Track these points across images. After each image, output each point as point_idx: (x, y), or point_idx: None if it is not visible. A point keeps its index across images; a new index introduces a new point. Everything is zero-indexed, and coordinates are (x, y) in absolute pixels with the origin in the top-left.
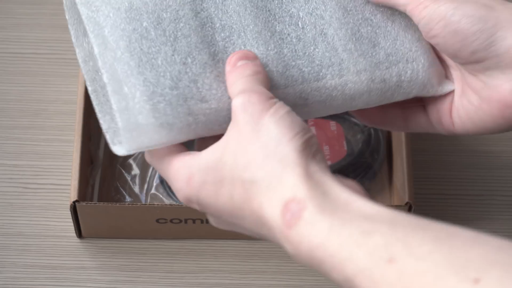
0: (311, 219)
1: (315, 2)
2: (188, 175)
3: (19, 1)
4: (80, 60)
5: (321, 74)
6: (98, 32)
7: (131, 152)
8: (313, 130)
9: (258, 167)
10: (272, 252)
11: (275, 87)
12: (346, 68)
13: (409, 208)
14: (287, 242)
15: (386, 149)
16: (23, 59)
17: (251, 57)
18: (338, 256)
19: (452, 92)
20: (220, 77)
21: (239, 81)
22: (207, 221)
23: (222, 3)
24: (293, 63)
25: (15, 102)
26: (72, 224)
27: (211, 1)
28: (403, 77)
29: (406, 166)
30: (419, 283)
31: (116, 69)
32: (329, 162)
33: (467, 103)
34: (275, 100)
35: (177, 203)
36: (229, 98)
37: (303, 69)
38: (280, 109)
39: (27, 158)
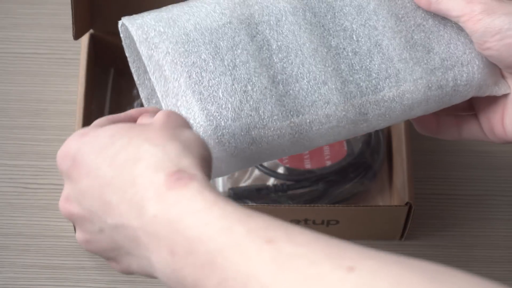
0: (198, 189)
1: (367, 13)
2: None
3: (19, 1)
4: (143, 99)
5: (378, 87)
6: (159, 73)
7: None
8: None
9: (162, 140)
10: None
11: (334, 104)
12: (403, 79)
13: (409, 208)
14: (157, 201)
15: (386, 149)
16: (23, 59)
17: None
18: (215, 226)
19: (502, 100)
20: (280, 101)
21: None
22: None
23: (277, 24)
24: (351, 78)
25: (15, 102)
26: (72, 224)
27: (265, 23)
28: (459, 81)
29: (406, 166)
30: (293, 266)
31: (179, 109)
32: (329, 162)
33: None
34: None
35: None
36: (290, 122)
37: (361, 84)
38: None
39: (27, 158)
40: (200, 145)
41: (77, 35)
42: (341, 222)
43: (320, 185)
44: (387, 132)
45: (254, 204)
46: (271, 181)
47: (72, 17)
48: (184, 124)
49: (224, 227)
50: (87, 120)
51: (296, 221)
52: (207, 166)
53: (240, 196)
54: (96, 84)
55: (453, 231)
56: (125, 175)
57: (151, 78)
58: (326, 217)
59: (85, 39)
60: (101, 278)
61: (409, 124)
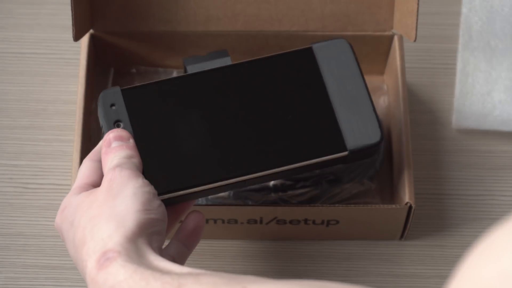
0: (122, 263)
1: None
2: (64, 206)
3: (19, 1)
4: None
5: None
6: None
7: None
8: None
9: (101, 219)
10: (272, 252)
11: None
12: None
13: (409, 208)
14: (92, 283)
15: (386, 149)
16: (23, 59)
17: (125, 138)
18: (135, 286)
19: None
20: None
21: (115, 160)
22: (207, 221)
23: None
24: None
25: (15, 102)
26: None
27: None
28: None
29: (406, 166)
30: None
31: None
32: None
33: None
34: (143, 179)
35: None
36: None
37: None
38: (144, 186)
39: (27, 158)
40: (136, 211)
41: (77, 37)
42: (341, 222)
43: (320, 185)
44: (387, 132)
45: (255, 203)
46: (271, 181)
47: (72, 19)
48: (127, 186)
49: (142, 285)
50: (87, 120)
51: (296, 221)
52: (144, 229)
53: (240, 196)
54: (96, 84)
55: (453, 231)
56: (78, 257)
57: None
58: (326, 217)
59: (85, 39)
60: None
61: (409, 124)
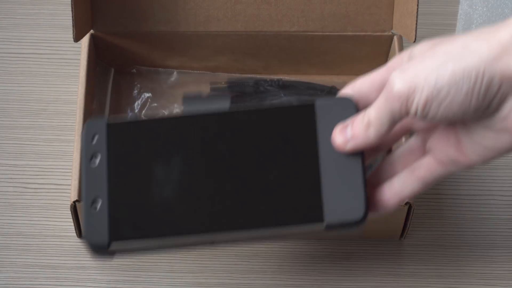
0: None
1: None
2: None
3: (19, 1)
4: None
5: None
6: None
7: None
8: None
9: None
10: (272, 252)
11: None
12: None
13: (409, 207)
14: None
15: None
16: (23, 59)
17: None
18: None
19: (453, 133)
20: None
21: None
22: None
23: None
24: None
25: (15, 102)
26: (72, 224)
27: None
28: None
29: None
30: None
31: None
32: None
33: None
34: None
35: None
36: None
37: None
38: None
39: (27, 158)
40: None
41: (77, 37)
42: None
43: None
44: None
45: None
46: None
47: (72, 19)
48: None
49: None
50: (87, 120)
51: None
52: None
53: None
54: (96, 84)
55: (453, 231)
56: None
57: None
58: None
59: (85, 39)
60: (101, 278)
61: None
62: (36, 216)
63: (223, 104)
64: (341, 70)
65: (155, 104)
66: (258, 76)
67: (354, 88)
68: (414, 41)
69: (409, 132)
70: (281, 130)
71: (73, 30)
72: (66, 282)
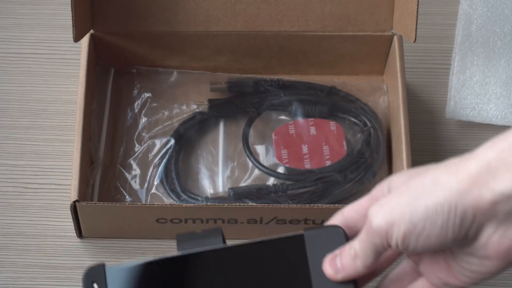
0: None
1: None
2: None
3: (19, 1)
4: None
5: None
6: None
7: None
8: (313, 130)
9: None
10: None
11: None
12: None
13: None
14: None
15: (386, 149)
16: (23, 59)
17: None
18: None
19: (442, 258)
20: None
21: None
22: (207, 221)
23: None
24: None
25: (15, 102)
26: (72, 224)
27: None
28: None
29: (406, 166)
30: None
31: None
32: (329, 162)
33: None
34: None
35: (177, 203)
36: None
37: None
38: None
39: (27, 158)
40: None
41: (77, 37)
42: None
43: (320, 185)
44: (387, 132)
45: (254, 204)
46: (271, 181)
47: (72, 19)
48: None
49: None
50: (87, 120)
51: (296, 221)
52: None
53: (240, 196)
54: (96, 84)
55: None
56: None
57: None
58: (326, 217)
59: (85, 39)
60: None
61: (408, 124)
62: (36, 216)
63: (216, 239)
64: (341, 70)
65: (155, 104)
66: (258, 76)
67: (343, 215)
68: (414, 41)
69: (401, 254)
70: (274, 262)
71: (73, 30)
72: (66, 282)
